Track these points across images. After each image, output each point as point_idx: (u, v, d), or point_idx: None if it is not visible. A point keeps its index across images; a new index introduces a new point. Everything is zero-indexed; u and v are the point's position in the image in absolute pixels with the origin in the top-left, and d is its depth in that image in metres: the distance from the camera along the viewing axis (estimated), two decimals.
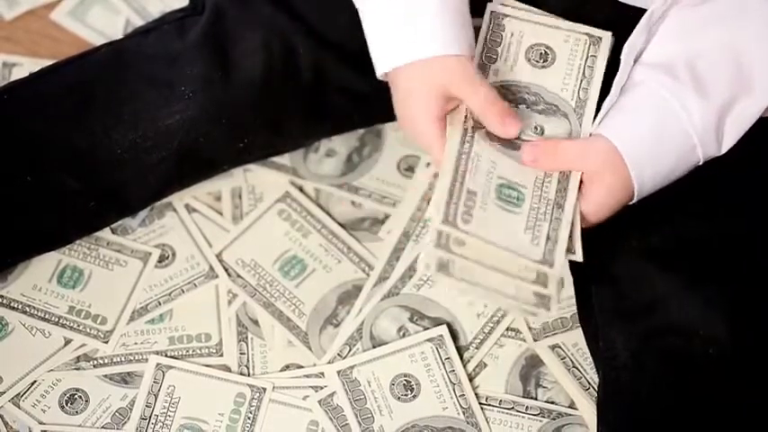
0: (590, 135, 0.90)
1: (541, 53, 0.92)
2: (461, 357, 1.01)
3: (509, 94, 0.91)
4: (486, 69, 0.92)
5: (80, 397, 0.99)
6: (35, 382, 0.99)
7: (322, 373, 1.00)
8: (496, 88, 0.89)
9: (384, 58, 0.92)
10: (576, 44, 0.93)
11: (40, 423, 0.97)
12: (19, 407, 0.98)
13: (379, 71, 0.93)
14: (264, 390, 0.99)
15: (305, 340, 1.02)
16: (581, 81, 0.92)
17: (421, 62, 0.90)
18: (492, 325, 1.03)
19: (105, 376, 1.00)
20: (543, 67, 0.92)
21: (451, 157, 0.86)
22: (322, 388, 0.99)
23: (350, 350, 1.02)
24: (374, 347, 1.01)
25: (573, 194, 0.88)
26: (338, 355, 1.01)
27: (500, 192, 0.86)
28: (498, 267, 0.84)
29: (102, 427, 0.98)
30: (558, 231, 0.86)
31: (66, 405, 0.99)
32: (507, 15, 0.93)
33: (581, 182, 0.88)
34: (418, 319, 1.03)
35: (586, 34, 0.93)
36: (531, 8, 0.94)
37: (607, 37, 0.93)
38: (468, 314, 1.03)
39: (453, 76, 0.89)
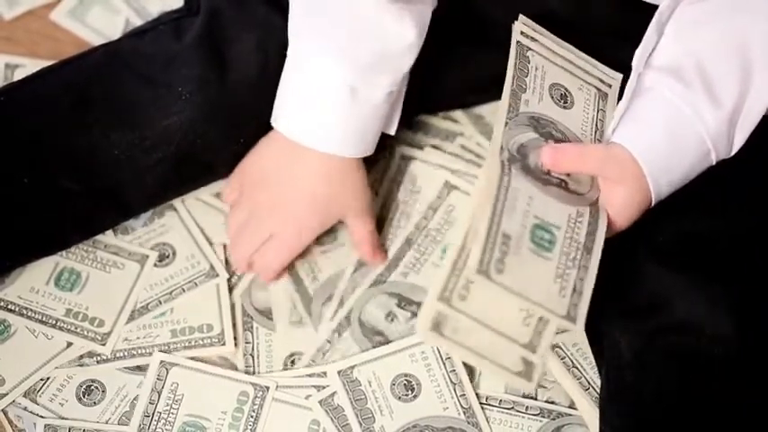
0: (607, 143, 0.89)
1: (562, 94, 0.90)
2: None
3: (539, 127, 0.88)
4: (518, 97, 0.88)
5: (97, 388, 0.99)
6: (48, 377, 0.99)
7: (324, 373, 1.00)
8: (528, 119, 0.87)
9: (284, 121, 0.99)
10: (588, 94, 0.91)
11: (61, 417, 0.97)
12: (36, 402, 0.98)
13: (275, 124, 0.99)
14: (267, 388, 0.98)
15: (308, 307, 1.03)
16: (595, 132, 0.90)
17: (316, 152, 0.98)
18: None
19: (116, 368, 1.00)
20: (564, 107, 0.89)
21: (491, 194, 0.80)
22: (324, 387, 0.99)
23: (339, 335, 1.02)
24: (363, 334, 1.01)
25: (601, 237, 0.83)
26: (327, 341, 1.01)
27: (534, 234, 0.80)
28: (498, 325, 0.78)
29: (122, 415, 0.98)
30: (585, 282, 0.80)
31: (84, 397, 0.99)
32: (530, 49, 0.90)
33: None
34: (406, 305, 1.03)
35: (596, 88, 0.92)
36: (551, 38, 0.91)
37: (614, 93, 0.92)
38: None
39: (348, 199, 1.01)
